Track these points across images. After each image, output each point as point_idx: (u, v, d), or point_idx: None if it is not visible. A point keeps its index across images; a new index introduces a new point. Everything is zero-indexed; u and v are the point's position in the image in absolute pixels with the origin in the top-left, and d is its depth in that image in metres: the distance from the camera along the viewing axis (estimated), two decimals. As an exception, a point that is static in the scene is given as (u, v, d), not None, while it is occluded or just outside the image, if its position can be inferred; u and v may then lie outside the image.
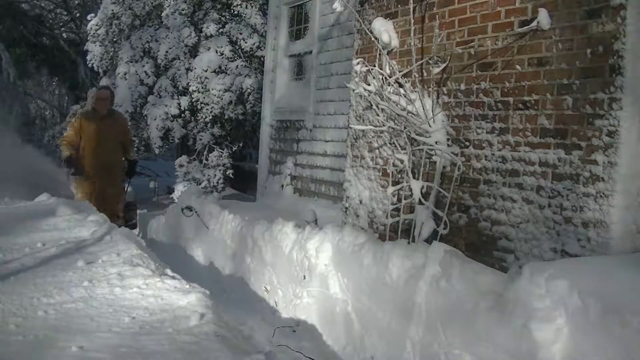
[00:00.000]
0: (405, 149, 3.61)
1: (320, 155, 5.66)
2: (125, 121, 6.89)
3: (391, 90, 3.71)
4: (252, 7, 9.86)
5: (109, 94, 6.44)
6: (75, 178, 6.23)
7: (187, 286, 2.73)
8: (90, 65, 12.78)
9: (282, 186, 6.21)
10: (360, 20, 4.11)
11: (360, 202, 4.18)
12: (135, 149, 6.94)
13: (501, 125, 3.12)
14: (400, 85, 3.66)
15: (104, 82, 12.38)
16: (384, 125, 3.73)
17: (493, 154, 3.17)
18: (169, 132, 10.02)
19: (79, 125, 6.08)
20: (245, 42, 9.80)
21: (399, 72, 3.69)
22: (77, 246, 3.41)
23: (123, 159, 6.39)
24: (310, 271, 3.89)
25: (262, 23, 9.59)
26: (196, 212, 5.86)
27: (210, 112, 9.73)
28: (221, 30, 9.99)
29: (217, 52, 9.81)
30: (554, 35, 2.83)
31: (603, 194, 2.60)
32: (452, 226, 3.32)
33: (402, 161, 3.60)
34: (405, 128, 3.57)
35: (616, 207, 2.56)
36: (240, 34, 9.82)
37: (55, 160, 10.72)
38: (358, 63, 3.89)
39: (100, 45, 12.08)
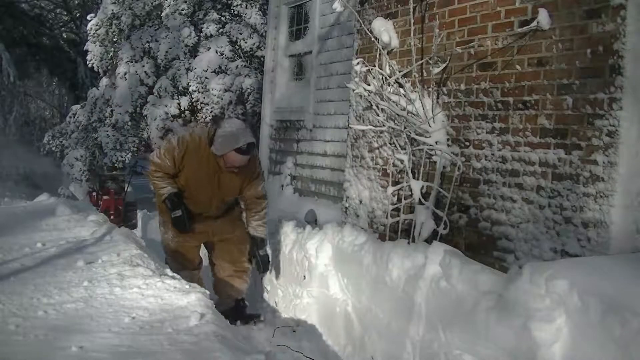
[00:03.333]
0: (405, 149, 3.61)
1: (320, 155, 5.65)
2: (257, 165, 4.08)
3: (391, 90, 3.71)
4: (252, 7, 9.88)
5: (247, 159, 3.72)
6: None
7: (187, 286, 2.73)
8: (90, 65, 12.81)
9: (282, 186, 6.21)
10: (360, 20, 4.10)
11: (360, 202, 4.18)
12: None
13: (501, 125, 3.12)
14: (400, 85, 3.67)
15: (104, 82, 12.37)
16: (384, 125, 3.73)
17: (493, 154, 3.17)
18: (169, 132, 10.03)
19: (182, 156, 3.74)
20: (245, 42, 9.81)
21: (399, 72, 3.69)
22: (77, 246, 3.42)
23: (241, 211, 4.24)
24: (310, 271, 3.89)
25: (262, 23, 9.60)
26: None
27: (210, 112, 9.74)
28: (221, 30, 10.01)
29: (217, 52, 9.83)
30: (554, 35, 2.83)
31: (603, 194, 2.60)
32: (452, 226, 3.32)
33: (402, 161, 3.60)
34: (405, 128, 3.58)
35: (616, 207, 2.56)
36: (240, 34, 9.84)
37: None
38: (358, 63, 3.89)
39: (100, 45, 12.11)
